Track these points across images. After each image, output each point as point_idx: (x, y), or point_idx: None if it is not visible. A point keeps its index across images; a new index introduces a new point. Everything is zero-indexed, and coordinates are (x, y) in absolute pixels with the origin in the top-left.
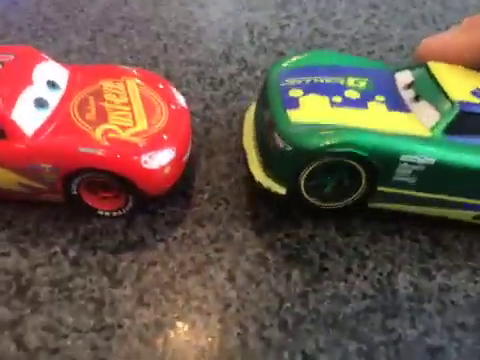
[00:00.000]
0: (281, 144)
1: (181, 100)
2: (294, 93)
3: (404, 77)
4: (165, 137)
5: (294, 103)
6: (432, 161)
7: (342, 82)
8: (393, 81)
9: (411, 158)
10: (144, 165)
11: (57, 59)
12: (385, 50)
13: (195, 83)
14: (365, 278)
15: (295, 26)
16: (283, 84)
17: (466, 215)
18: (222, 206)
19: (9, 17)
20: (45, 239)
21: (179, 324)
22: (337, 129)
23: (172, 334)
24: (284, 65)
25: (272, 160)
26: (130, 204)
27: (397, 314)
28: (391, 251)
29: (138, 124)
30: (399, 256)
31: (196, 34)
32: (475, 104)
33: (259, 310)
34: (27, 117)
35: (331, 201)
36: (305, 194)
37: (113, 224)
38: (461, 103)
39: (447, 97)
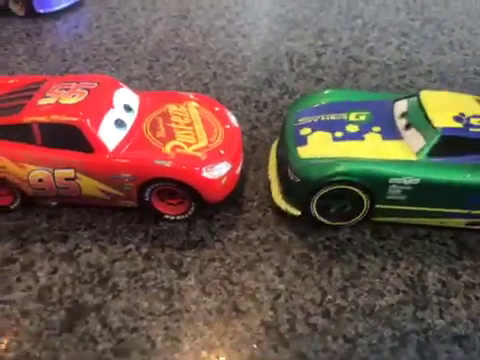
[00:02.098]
0: (292, 177)
1: (234, 120)
2: (304, 131)
3: (401, 106)
4: (222, 152)
5: (303, 141)
6: (417, 181)
7: (345, 117)
8: (391, 111)
9: (398, 180)
10: (205, 175)
11: None
12: (415, 75)
13: (242, 106)
14: (398, 276)
15: (331, 54)
16: (296, 124)
17: (459, 222)
18: (269, 212)
19: (76, 49)
20: (121, 238)
21: (236, 310)
22: (334, 162)
23: (231, 318)
24: (298, 106)
25: (287, 189)
26: (192, 209)
27: (427, 306)
28: (421, 253)
29: (199, 141)
30: (429, 257)
31: (241, 62)
32: (455, 128)
33: (305, 301)
34: (110, 135)
35: (339, 220)
36: (317, 216)
37: (177, 227)
38: (442, 129)
39: (430, 124)
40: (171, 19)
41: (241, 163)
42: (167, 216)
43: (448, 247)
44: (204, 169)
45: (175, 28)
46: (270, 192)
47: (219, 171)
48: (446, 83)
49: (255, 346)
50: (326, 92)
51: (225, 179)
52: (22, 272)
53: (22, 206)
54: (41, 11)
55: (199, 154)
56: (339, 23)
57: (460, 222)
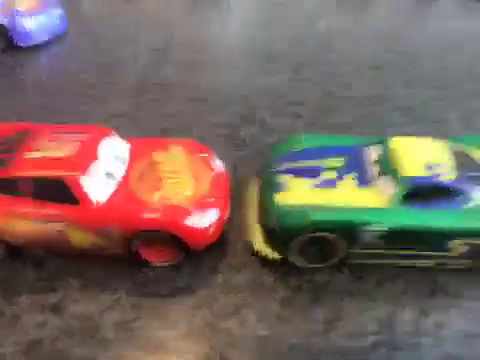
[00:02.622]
0: (270, 223)
1: (220, 165)
2: (282, 178)
3: (373, 152)
4: (210, 200)
5: (281, 187)
6: (387, 228)
7: (321, 164)
8: (364, 157)
9: (369, 228)
10: (193, 225)
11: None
12: (389, 110)
13: (223, 144)
14: (373, 317)
15: (307, 89)
16: (275, 170)
17: (429, 263)
18: (254, 256)
19: (58, 83)
20: (109, 287)
21: (222, 358)
22: (309, 211)
23: None
24: (277, 151)
25: (267, 234)
26: (181, 257)
27: (399, 347)
28: (395, 294)
29: (186, 190)
30: (401, 298)
31: (223, 98)
32: (425, 177)
33: (288, 346)
34: (98, 187)
35: (317, 263)
36: (295, 260)
37: (164, 273)
38: (412, 178)
39: (401, 173)
40: (153, 52)
41: (229, 208)
42: (154, 264)
43: (420, 286)
44: (191, 219)
45: (157, 62)
46: (251, 238)
47: (207, 220)
48: (418, 119)
49: None
50: (303, 137)
51: (212, 227)
52: (10, 326)
53: (8, 255)
54: (22, 45)
55: (186, 204)
56: (315, 57)
57: (430, 263)
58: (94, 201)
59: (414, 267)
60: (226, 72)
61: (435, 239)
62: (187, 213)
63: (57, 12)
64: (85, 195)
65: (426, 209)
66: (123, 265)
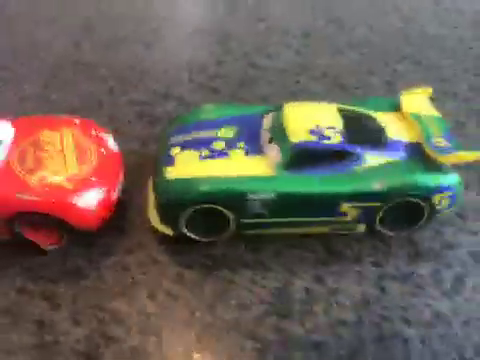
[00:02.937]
0: (158, 198)
1: (112, 144)
2: (173, 151)
3: (268, 120)
4: (93, 179)
5: (171, 160)
6: (272, 195)
7: (214, 134)
8: (259, 125)
9: (254, 196)
10: (74, 205)
11: (11, 108)
12: (309, 79)
13: (135, 122)
14: (264, 287)
15: (231, 62)
16: (169, 143)
17: (323, 229)
18: (150, 234)
19: None
20: None
21: (105, 337)
22: (194, 182)
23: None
24: (175, 124)
25: (157, 209)
26: (64, 238)
27: (288, 316)
28: (291, 262)
29: (69, 169)
30: (297, 265)
31: (140, 75)
32: (308, 142)
33: (174, 322)
34: None
35: (212, 236)
36: (188, 233)
37: (53, 257)
38: (296, 144)
39: (287, 138)
40: (73, 31)
41: (118, 188)
42: (43, 246)
43: (317, 254)
44: (71, 199)
45: (77, 41)
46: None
47: (89, 200)
48: (339, 86)
49: None
50: (203, 108)
51: (97, 208)
52: None
53: None
54: None
55: (66, 184)
56: (244, 27)
57: (324, 229)
58: None
59: (310, 235)
60: (148, 48)
61: (323, 204)
62: (66, 192)
63: None
64: None
65: (313, 174)
66: (9, 251)
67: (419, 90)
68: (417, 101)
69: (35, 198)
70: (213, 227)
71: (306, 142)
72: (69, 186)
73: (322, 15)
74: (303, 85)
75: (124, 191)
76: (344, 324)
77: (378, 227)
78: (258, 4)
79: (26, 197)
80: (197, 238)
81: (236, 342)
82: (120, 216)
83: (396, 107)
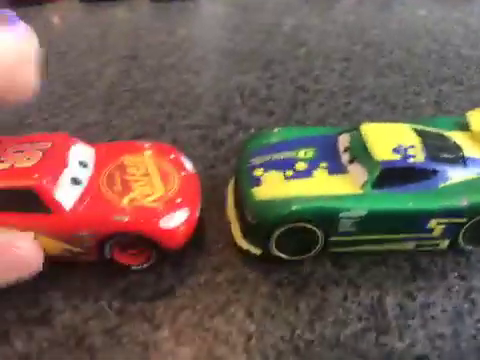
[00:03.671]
0: (249, 218)
1: (189, 166)
2: (257, 172)
3: (344, 140)
4: (178, 201)
5: (257, 182)
6: (364, 213)
7: (294, 155)
8: (336, 145)
9: (347, 214)
10: (162, 226)
11: (76, 134)
12: (359, 100)
13: (199, 145)
14: (359, 304)
15: (279, 85)
16: (249, 164)
17: (409, 246)
18: (234, 252)
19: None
20: (92, 295)
21: (211, 356)
22: (287, 202)
23: None
24: (250, 146)
25: (246, 230)
26: (154, 257)
27: (387, 331)
28: (379, 278)
29: (156, 191)
30: (386, 282)
31: (194, 100)
32: (394, 161)
33: (276, 339)
34: (66, 194)
35: (298, 254)
36: (277, 253)
37: (145, 277)
38: (382, 162)
39: (372, 157)
40: (121, 60)
41: (199, 208)
42: (134, 267)
43: (403, 270)
44: (161, 220)
45: (126, 70)
46: (231, 235)
47: (176, 220)
48: (389, 106)
49: None
50: (275, 131)
51: (183, 227)
52: None
53: None
54: None
55: (155, 205)
56: (285, 53)
57: (410, 246)
58: (64, 208)
59: (395, 251)
60: (196, 74)
61: (412, 221)
62: (156, 213)
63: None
64: (55, 203)
65: (400, 192)
66: (104, 271)
67: None
68: None
69: (128, 219)
70: (301, 246)
71: (392, 161)
72: (159, 207)
73: (358, 39)
74: (354, 106)
75: (201, 210)
76: (442, 337)
77: (461, 243)
78: (295, 30)
79: (120, 218)
80: (285, 257)
81: (340, 358)
82: (200, 235)
83: (461, 126)
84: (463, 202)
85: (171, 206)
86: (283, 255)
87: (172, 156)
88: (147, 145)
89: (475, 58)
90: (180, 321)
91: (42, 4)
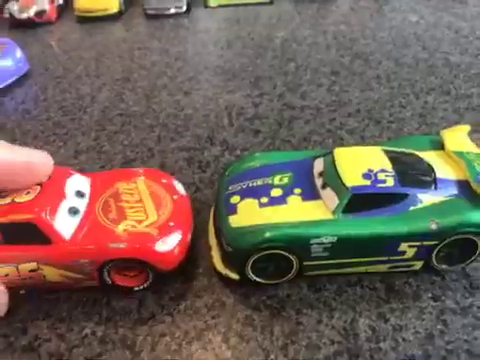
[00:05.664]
0: (225, 245)
1: (181, 189)
2: (234, 200)
3: (319, 165)
4: (171, 224)
5: (233, 209)
6: (334, 239)
7: (270, 182)
8: (311, 169)
9: (318, 240)
10: (157, 250)
11: (68, 161)
12: (345, 116)
13: (186, 168)
14: (333, 327)
15: (267, 103)
16: (227, 192)
17: (382, 268)
18: (214, 278)
19: (24, 126)
20: (77, 323)
21: None
22: (260, 230)
23: None
24: (227, 173)
25: (224, 255)
26: (150, 280)
27: (359, 354)
28: (353, 300)
29: (150, 217)
30: (360, 304)
31: (183, 122)
32: (364, 186)
33: None
34: (65, 224)
35: (275, 278)
36: (254, 278)
37: (129, 305)
38: (352, 188)
39: (342, 183)
40: (115, 83)
41: (191, 230)
42: (136, 288)
43: (377, 291)
44: (155, 244)
45: (119, 92)
46: (211, 260)
47: (170, 243)
48: (374, 121)
49: None
50: (254, 155)
51: (177, 249)
52: None
53: None
54: None
55: (149, 230)
56: (274, 69)
57: (383, 267)
58: (64, 238)
59: (369, 273)
60: (187, 95)
61: (383, 244)
62: (151, 238)
63: (18, 54)
64: (55, 234)
65: (370, 216)
66: (90, 300)
67: (457, 128)
68: (458, 139)
69: (125, 246)
70: (277, 271)
71: (362, 186)
72: (153, 232)
73: (347, 51)
74: (339, 122)
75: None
76: None
77: (434, 264)
78: (286, 43)
79: (117, 246)
80: (262, 281)
81: None
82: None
83: (436, 145)
84: (432, 225)
85: (164, 230)
86: (260, 280)
87: (164, 180)
88: (140, 171)
89: (463, 66)
90: (159, 348)
91: (40, 26)
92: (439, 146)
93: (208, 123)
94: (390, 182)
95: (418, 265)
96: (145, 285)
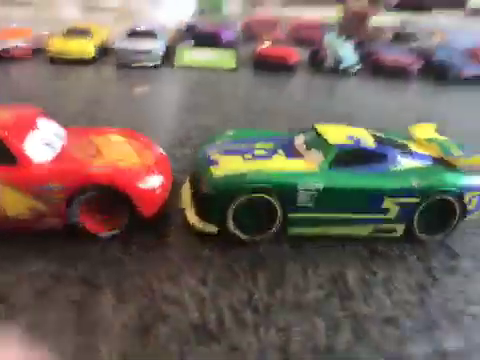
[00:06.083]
0: (206, 190)
1: (161, 149)
2: (214, 156)
3: (299, 138)
4: (153, 168)
5: (215, 162)
6: (321, 186)
7: (252, 146)
8: (292, 141)
9: (305, 186)
10: (140, 185)
11: None
12: None
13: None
14: (320, 275)
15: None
16: (207, 153)
17: (366, 230)
18: (188, 237)
19: None
20: (26, 261)
21: (160, 315)
22: (245, 174)
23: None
24: (205, 145)
25: (203, 206)
26: (126, 222)
27: (351, 297)
28: (338, 257)
29: (131, 159)
30: (345, 261)
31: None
32: (348, 144)
33: (231, 301)
34: (36, 150)
35: (257, 234)
36: (234, 230)
37: (89, 249)
38: (337, 145)
39: (327, 142)
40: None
41: (171, 181)
42: (101, 235)
43: (361, 252)
44: (138, 179)
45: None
46: (185, 220)
47: (153, 182)
48: None
49: (185, 346)
50: (230, 133)
51: (159, 190)
52: None
53: None
54: None
55: (133, 166)
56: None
57: (366, 229)
58: (31, 160)
59: (351, 238)
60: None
61: (368, 199)
62: (134, 173)
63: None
64: (23, 153)
65: (354, 172)
66: (43, 243)
67: (424, 124)
68: (426, 130)
69: (106, 171)
70: (259, 224)
71: (346, 144)
72: (136, 168)
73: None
74: None
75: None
76: (410, 304)
77: (416, 229)
78: (245, 98)
79: (97, 170)
80: (242, 236)
81: (305, 318)
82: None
83: (407, 138)
84: (413, 183)
85: (147, 170)
86: (240, 234)
87: (142, 139)
88: (114, 130)
89: None
90: (125, 286)
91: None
92: (410, 140)
93: (179, 139)
94: (372, 144)
95: (400, 230)
96: (114, 232)
